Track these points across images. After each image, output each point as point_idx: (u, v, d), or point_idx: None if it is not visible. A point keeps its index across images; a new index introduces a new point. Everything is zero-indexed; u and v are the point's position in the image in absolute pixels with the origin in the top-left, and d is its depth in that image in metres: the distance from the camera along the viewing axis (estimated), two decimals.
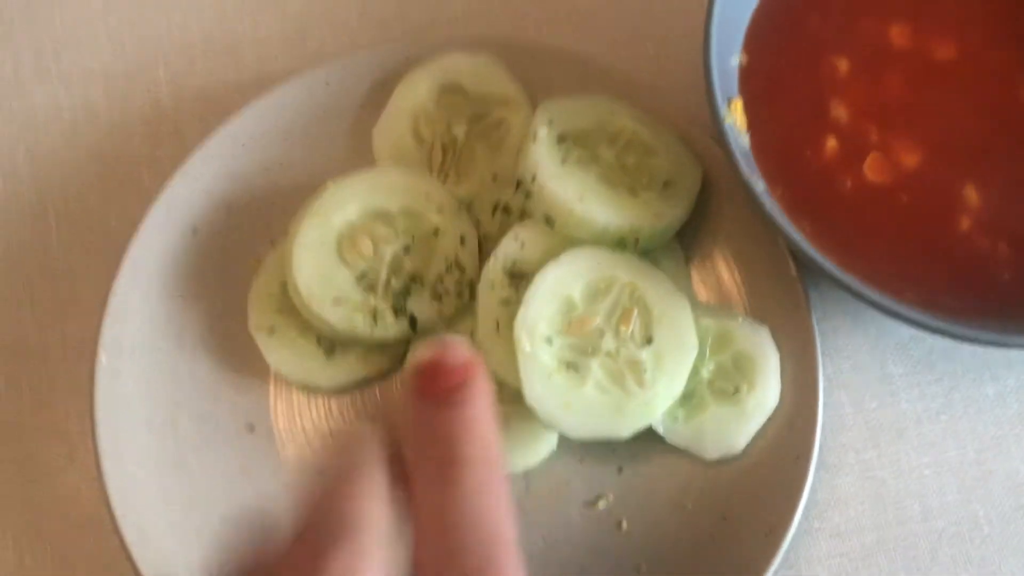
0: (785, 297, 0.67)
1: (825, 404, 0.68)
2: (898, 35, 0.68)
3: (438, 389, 0.41)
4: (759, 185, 0.62)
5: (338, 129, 0.72)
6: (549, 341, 0.62)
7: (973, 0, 0.69)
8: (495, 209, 0.69)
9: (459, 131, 0.71)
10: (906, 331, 0.71)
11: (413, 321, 0.65)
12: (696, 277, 0.70)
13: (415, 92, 0.71)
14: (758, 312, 0.67)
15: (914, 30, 0.68)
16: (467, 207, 0.69)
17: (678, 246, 0.69)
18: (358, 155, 0.72)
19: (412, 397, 0.42)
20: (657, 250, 0.68)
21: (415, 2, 0.79)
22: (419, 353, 0.43)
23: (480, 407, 0.42)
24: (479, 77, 0.71)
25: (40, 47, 0.78)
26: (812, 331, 0.65)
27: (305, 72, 0.71)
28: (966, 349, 0.71)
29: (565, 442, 0.66)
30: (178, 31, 0.78)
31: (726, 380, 0.65)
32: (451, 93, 0.71)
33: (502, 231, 0.67)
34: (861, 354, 0.71)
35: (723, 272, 0.69)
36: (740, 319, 0.66)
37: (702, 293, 0.69)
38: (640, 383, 0.62)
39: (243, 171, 0.70)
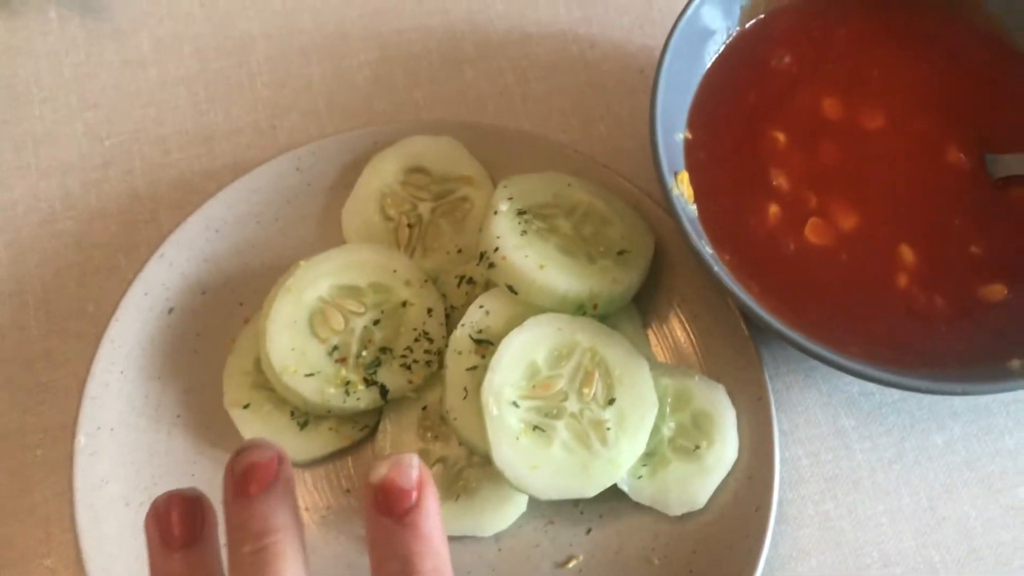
0: (738, 356, 0.70)
1: (782, 458, 0.71)
2: (831, 108, 0.73)
3: (393, 510, 0.47)
4: (707, 251, 0.65)
5: (308, 211, 0.75)
6: (515, 405, 0.64)
7: (899, 73, 0.74)
8: (461, 281, 0.72)
9: (424, 209, 0.74)
10: (856, 386, 0.75)
11: (384, 391, 0.67)
12: (654, 339, 0.73)
13: (381, 173, 0.74)
14: (714, 371, 0.71)
15: (845, 103, 0.73)
16: (434, 280, 0.72)
17: (635, 310, 0.73)
18: (328, 235, 0.75)
19: (369, 513, 0.48)
20: (616, 314, 0.71)
21: (379, 91, 0.83)
22: (373, 472, 0.48)
23: (432, 523, 0.48)
24: (441, 158, 0.75)
25: (20, 143, 0.81)
26: (766, 387, 0.69)
27: (275, 158, 0.75)
28: (913, 401, 0.75)
29: (535, 504, 0.68)
30: (153, 124, 0.82)
31: (686, 437, 0.68)
32: (416, 173, 0.75)
33: (468, 301, 0.70)
34: (814, 409, 0.74)
35: (679, 333, 0.73)
36: (697, 378, 0.69)
37: (660, 354, 0.72)
38: (604, 442, 0.65)
39: (217, 253, 0.73)
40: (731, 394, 0.69)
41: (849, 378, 0.73)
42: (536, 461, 0.64)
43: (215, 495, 0.67)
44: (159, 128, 0.82)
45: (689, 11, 0.70)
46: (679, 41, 0.69)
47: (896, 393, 0.75)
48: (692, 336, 0.72)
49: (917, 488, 0.72)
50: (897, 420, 0.74)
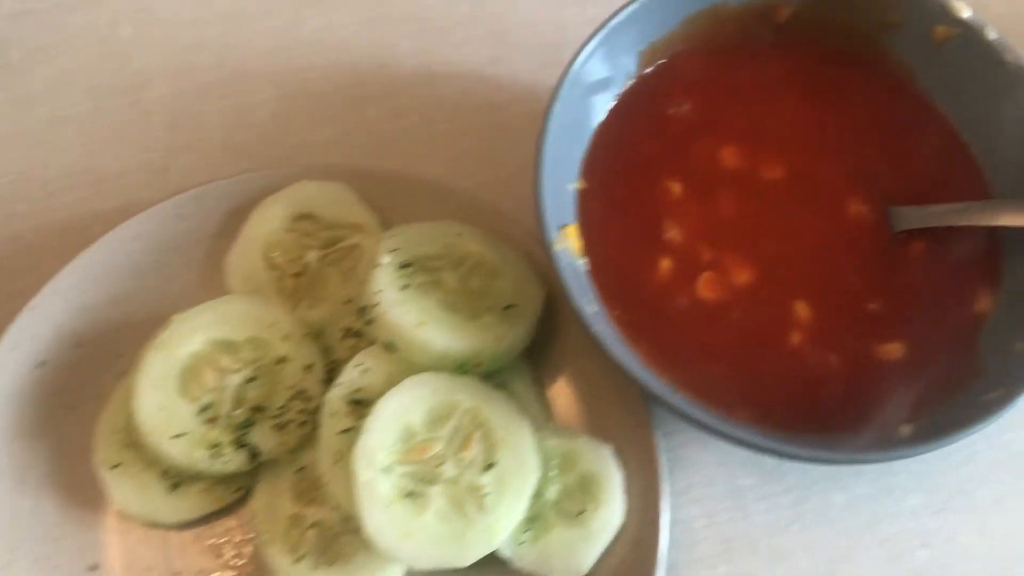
0: (629, 416, 0.68)
1: (676, 519, 0.69)
2: (729, 157, 0.71)
3: None
4: (591, 308, 0.63)
5: (191, 259, 0.73)
6: (388, 470, 0.62)
7: (802, 121, 0.72)
8: (346, 334, 0.69)
9: (312, 257, 0.72)
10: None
11: (255, 453, 0.65)
12: (546, 397, 0.70)
13: (268, 220, 0.72)
14: (603, 431, 0.68)
15: (745, 152, 0.71)
16: (319, 333, 0.70)
17: (526, 367, 0.70)
18: (211, 284, 0.72)
19: None
20: (505, 371, 0.69)
21: (278, 131, 0.81)
22: None
23: None
24: (331, 204, 0.72)
25: None
26: (655, 449, 0.66)
27: (157, 204, 0.72)
28: None
29: (412, 573, 0.65)
30: (39, 166, 0.79)
31: (571, 501, 0.66)
32: (304, 220, 0.73)
33: (352, 355, 0.67)
34: (711, 468, 0.72)
35: (571, 391, 0.70)
36: (584, 439, 0.67)
37: (551, 413, 0.70)
38: (481, 508, 0.62)
39: (93, 304, 0.70)
40: (620, 455, 0.67)
41: None
42: (409, 529, 0.61)
43: (82, 559, 0.65)
44: (45, 170, 0.79)
45: (580, 57, 0.67)
46: (569, 89, 0.67)
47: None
48: (584, 395, 0.70)
49: (816, 551, 0.70)
50: (796, 479, 0.72)
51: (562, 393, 0.70)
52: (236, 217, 0.73)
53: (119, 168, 0.79)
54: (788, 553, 0.70)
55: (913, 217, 0.68)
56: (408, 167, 0.78)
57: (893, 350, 0.66)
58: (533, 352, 0.71)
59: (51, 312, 0.69)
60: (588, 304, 0.63)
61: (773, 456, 0.60)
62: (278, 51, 0.84)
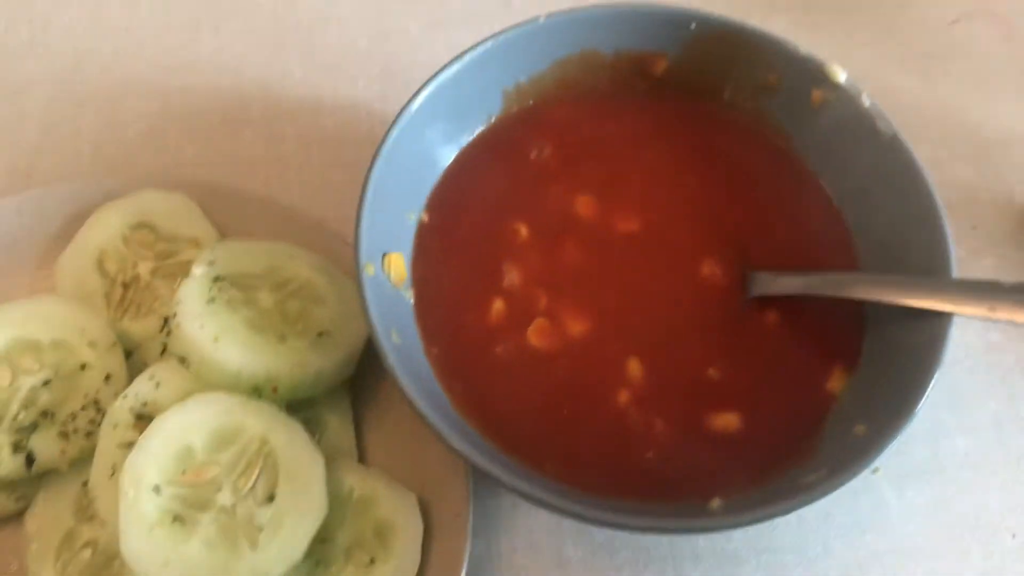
0: (444, 464, 0.63)
1: None
2: (584, 206, 0.68)
3: None
4: (396, 339, 0.59)
5: (25, 259, 0.70)
6: (157, 490, 0.57)
7: (664, 177, 0.69)
8: (164, 350, 0.66)
9: (144, 269, 0.69)
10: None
11: (31, 459, 0.60)
12: (367, 436, 0.66)
13: (105, 226, 0.69)
14: (418, 478, 0.63)
15: (601, 202, 0.68)
16: (135, 347, 0.66)
17: (346, 403, 0.66)
18: (41, 286, 0.70)
19: None
20: (322, 404, 0.65)
21: (150, 145, 0.79)
22: None
23: None
24: (171, 216, 0.70)
25: None
26: (466, 503, 0.61)
27: None
28: (651, 538, 0.67)
29: None
30: None
31: (363, 548, 0.61)
32: (142, 230, 0.70)
33: None
34: (539, 534, 0.66)
35: (393, 435, 0.66)
36: (387, 483, 0.62)
37: (367, 453, 0.65)
38: (254, 544, 0.57)
39: None
40: (429, 505, 0.62)
41: None
42: (168, 556, 0.56)
43: None
44: None
45: (431, 86, 0.65)
46: (416, 118, 0.65)
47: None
48: (406, 440, 0.65)
49: None
50: (630, 556, 0.66)
51: (383, 435, 0.66)
52: (77, 221, 0.71)
53: None
54: None
55: (770, 283, 0.64)
56: (274, 192, 0.76)
57: (727, 421, 0.61)
58: (362, 390, 0.67)
59: None
60: (395, 335, 0.59)
61: (566, 516, 0.54)
62: (167, 69, 0.83)
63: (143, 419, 0.60)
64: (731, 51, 0.69)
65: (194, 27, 0.85)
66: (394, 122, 0.64)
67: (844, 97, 0.67)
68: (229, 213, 0.71)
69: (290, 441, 0.60)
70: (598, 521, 0.54)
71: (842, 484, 0.55)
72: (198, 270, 0.63)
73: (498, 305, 0.64)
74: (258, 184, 0.77)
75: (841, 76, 0.66)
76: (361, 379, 0.67)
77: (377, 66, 0.84)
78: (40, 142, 0.79)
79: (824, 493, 0.54)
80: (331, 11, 0.86)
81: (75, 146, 0.79)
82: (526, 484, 0.54)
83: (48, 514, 0.62)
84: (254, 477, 0.59)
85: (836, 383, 0.62)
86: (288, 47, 0.84)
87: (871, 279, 0.63)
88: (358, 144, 0.80)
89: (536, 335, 0.63)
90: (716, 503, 0.56)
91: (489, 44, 0.66)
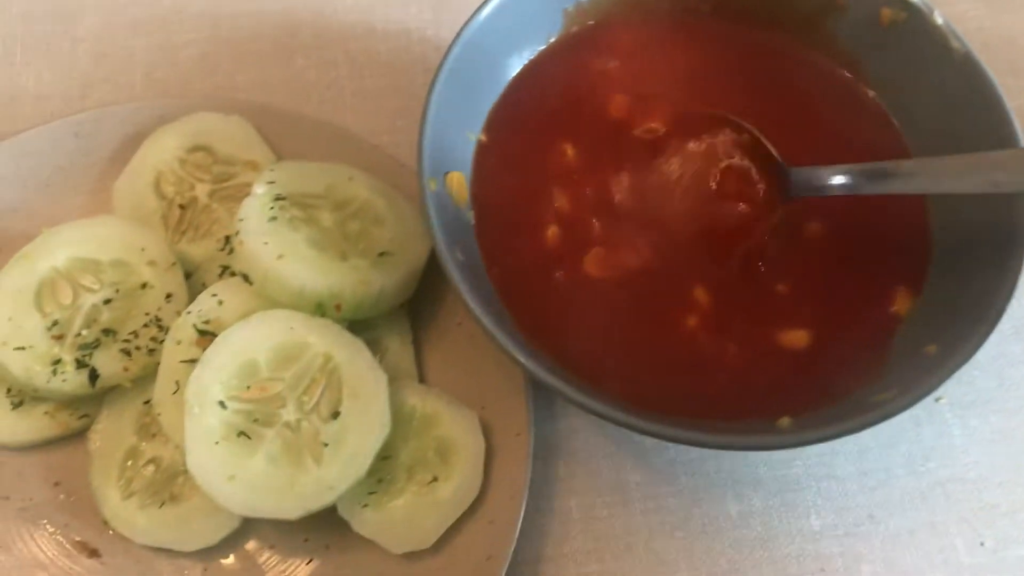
0: (504, 384, 0.63)
1: (551, 508, 0.64)
2: (636, 129, 0.66)
3: None
4: (457, 258, 0.58)
5: (81, 181, 0.70)
6: (222, 405, 0.57)
7: (725, 100, 0.67)
8: (223, 272, 0.66)
9: (201, 191, 0.69)
10: (649, 439, 0.67)
11: (94, 375, 0.61)
12: (426, 356, 0.66)
13: (161, 148, 0.69)
14: (478, 400, 0.63)
15: (652, 122, 0.66)
16: (195, 268, 0.66)
17: (405, 323, 0.66)
18: (98, 208, 0.70)
19: None
20: (382, 325, 0.65)
21: (201, 71, 0.79)
22: None
23: None
24: (229, 139, 0.69)
25: None
26: (527, 423, 0.61)
27: (55, 121, 0.69)
28: (712, 462, 0.66)
29: (254, 524, 0.61)
30: None
31: (424, 467, 0.60)
32: (199, 152, 0.70)
33: None
34: (598, 459, 0.66)
35: (452, 355, 0.66)
36: (449, 402, 0.62)
37: (424, 374, 0.65)
38: (318, 460, 0.57)
39: None
40: (490, 426, 0.62)
41: None
42: (234, 470, 0.56)
43: None
44: None
45: (491, 5, 0.64)
46: (476, 36, 0.63)
47: (693, 451, 0.66)
48: (465, 360, 0.65)
49: (698, 562, 0.63)
50: (689, 482, 0.66)
51: (442, 356, 0.66)
52: (133, 144, 0.70)
53: (38, 91, 0.78)
54: (668, 560, 0.63)
55: (811, 179, 0.61)
56: (327, 117, 0.75)
57: (796, 338, 0.60)
58: (421, 312, 0.67)
59: None
60: (458, 252, 0.58)
61: (632, 430, 0.54)
62: None
63: (206, 336, 0.60)
64: None
65: None
66: (456, 37, 0.62)
67: (916, 15, 0.65)
68: (285, 136, 0.70)
69: (353, 359, 0.60)
70: (664, 436, 0.54)
71: (913, 403, 0.54)
72: (259, 189, 0.63)
73: (553, 231, 0.63)
74: (311, 109, 0.77)
75: None
76: (419, 302, 0.67)
77: None
78: (93, 68, 0.78)
79: (894, 412, 0.54)
80: None
81: (127, 72, 0.78)
82: (592, 399, 0.54)
83: (110, 431, 0.62)
84: (318, 394, 0.59)
85: (902, 304, 0.61)
86: None
87: (929, 165, 0.60)
88: (411, 70, 0.79)
89: (593, 264, 0.62)
90: (785, 421, 0.55)
91: None
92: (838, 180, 0.60)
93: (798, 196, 0.61)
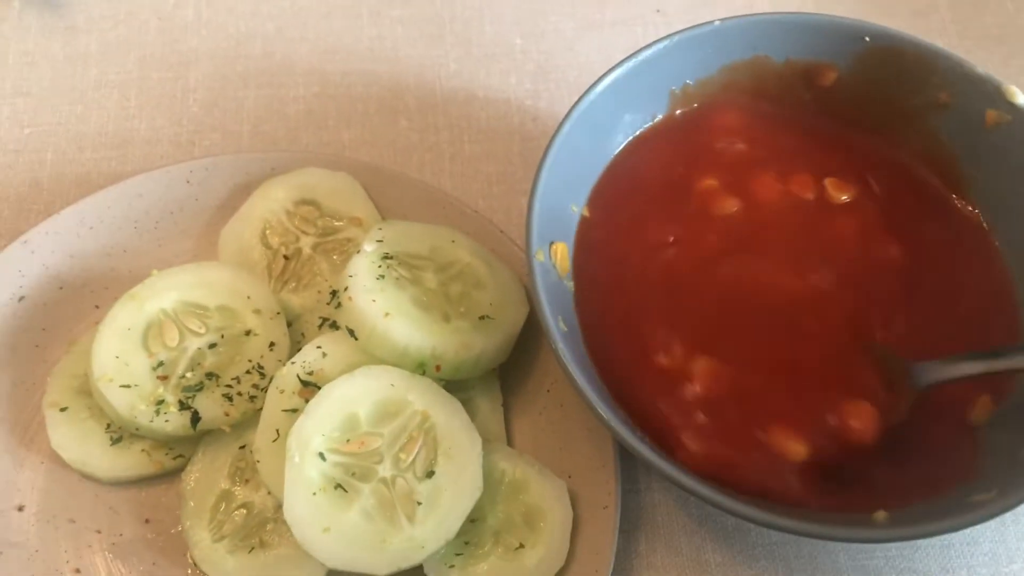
0: (594, 455, 0.63)
1: None
2: (736, 226, 0.67)
3: None
4: (561, 328, 0.59)
5: (190, 225, 0.72)
6: (322, 457, 0.59)
7: (811, 218, 0.67)
8: (322, 323, 0.67)
9: (306, 243, 0.71)
10: (731, 519, 0.67)
11: (196, 418, 0.62)
12: (513, 421, 0.67)
13: (271, 199, 0.71)
14: (566, 467, 0.64)
15: (731, 184, 0.67)
16: (295, 318, 0.68)
17: (498, 386, 0.67)
18: (204, 253, 0.72)
19: None
20: (474, 387, 0.66)
21: (308, 126, 0.81)
22: None
23: None
24: (335, 194, 0.71)
25: None
26: (615, 496, 0.61)
27: (169, 166, 0.72)
28: (792, 547, 0.66)
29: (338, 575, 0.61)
30: (77, 121, 0.81)
31: (512, 532, 0.61)
32: (306, 206, 0.72)
33: None
34: (679, 535, 0.66)
35: (541, 422, 0.66)
36: (539, 469, 0.63)
37: (515, 438, 0.66)
38: (411, 518, 0.58)
39: (83, 251, 0.70)
40: (576, 495, 0.62)
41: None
42: (329, 523, 0.57)
43: (11, 497, 0.63)
44: (81, 125, 0.81)
45: (601, 84, 0.66)
46: (586, 112, 0.65)
47: (774, 534, 0.66)
48: (554, 427, 0.66)
49: None
50: (768, 566, 0.65)
51: (532, 422, 0.67)
52: (241, 192, 0.73)
53: (149, 136, 0.80)
54: None
55: (940, 371, 0.60)
56: (426, 179, 0.77)
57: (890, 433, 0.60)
58: (510, 377, 0.68)
59: (41, 250, 0.69)
60: (561, 323, 0.59)
61: (735, 516, 0.54)
62: (327, 52, 0.85)
63: (308, 387, 0.62)
64: (904, 67, 0.68)
65: (354, 13, 0.87)
66: (569, 113, 0.64)
67: (1021, 119, 0.65)
68: (389, 195, 0.72)
69: (450, 419, 0.61)
70: (756, 519, 0.54)
71: (1013, 507, 0.54)
72: (369, 247, 0.64)
73: (651, 316, 0.63)
74: (411, 170, 0.79)
75: (1020, 98, 0.65)
76: (508, 366, 0.68)
77: (531, 63, 0.85)
78: (202, 116, 0.81)
79: (993, 514, 0.54)
80: (488, 8, 0.87)
81: (236, 122, 0.81)
82: (685, 474, 0.54)
83: (205, 474, 0.63)
84: (415, 451, 0.60)
85: (981, 411, 0.61)
86: (445, 39, 0.85)
87: None
88: (508, 138, 0.81)
89: (697, 381, 0.62)
90: (881, 515, 0.55)
91: (664, 43, 0.67)
92: (966, 370, 0.60)
93: (925, 387, 0.60)
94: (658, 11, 0.88)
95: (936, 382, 0.59)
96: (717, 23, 0.68)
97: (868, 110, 0.70)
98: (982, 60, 0.69)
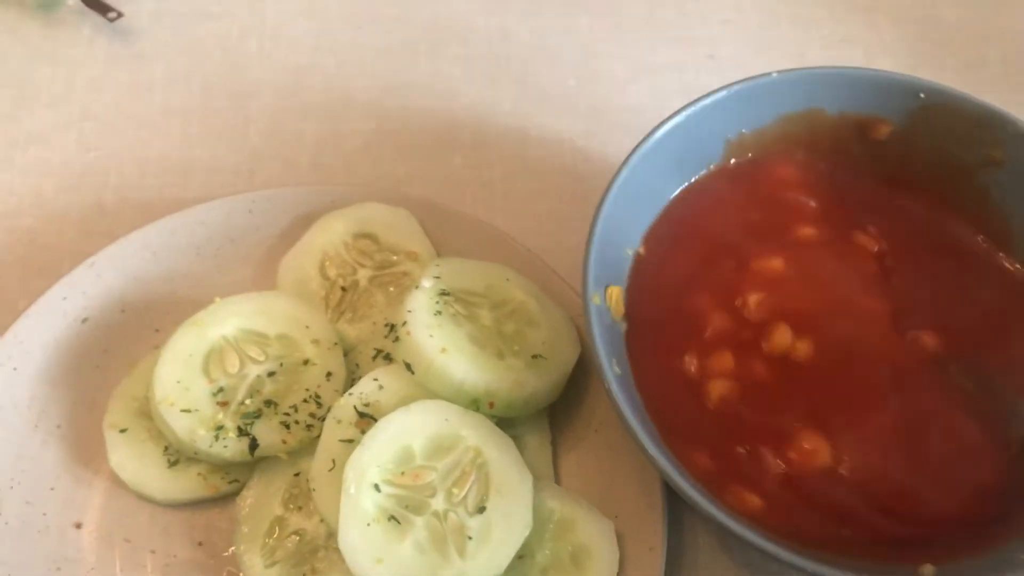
0: (642, 497, 0.64)
1: None
2: (784, 282, 0.68)
3: None
4: (615, 370, 0.60)
5: (250, 253, 0.74)
6: (377, 488, 0.60)
7: (861, 278, 0.68)
8: (377, 355, 0.69)
9: (363, 276, 0.72)
10: (774, 563, 0.67)
11: (254, 444, 0.64)
12: (560, 459, 0.68)
13: (330, 232, 0.73)
14: (612, 507, 0.65)
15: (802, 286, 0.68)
16: (350, 349, 0.69)
17: (546, 425, 0.68)
18: (263, 281, 0.74)
19: None
20: (523, 424, 0.67)
21: (365, 159, 0.83)
22: None
23: None
24: (393, 228, 0.73)
25: (13, 139, 0.83)
26: (661, 537, 0.62)
27: (231, 196, 0.74)
28: None
29: None
30: (141, 146, 0.83)
31: (559, 570, 0.62)
32: (364, 239, 0.73)
33: None
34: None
35: (589, 458, 0.67)
36: (587, 509, 0.63)
37: (563, 476, 0.67)
38: (462, 552, 0.59)
39: (146, 275, 0.72)
40: (623, 536, 0.63)
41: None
42: (382, 554, 0.58)
43: (69, 514, 0.65)
44: (145, 151, 0.83)
45: (661, 131, 0.67)
46: (645, 157, 0.66)
47: None
48: (602, 466, 0.67)
49: None
50: None
51: (579, 461, 0.68)
52: (301, 224, 0.74)
53: (210, 164, 0.82)
54: None
55: None
56: (479, 215, 0.79)
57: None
58: (558, 415, 0.69)
59: (106, 273, 0.71)
60: (615, 365, 0.61)
61: (781, 563, 0.55)
62: (386, 88, 0.87)
63: (364, 418, 0.63)
64: (958, 124, 0.69)
65: (412, 51, 0.89)
66: (626, 159, 0.66)
67: None
68: (444, 230, 0.74)
69: (502, 455, 0.62)
70: (806, 569, 0.54)
71: None
72: (427, 283, 0.66)
73: (701, 357, 0.64)
74: (465, 206, 0.80)
75: None
76: (557, 405, 0.69)
77: (584, 104, 0.86)
78: (263, 146, 0.83)
79: None
80: (543, 48, 0.89)
81: (295, 153, 0.83)
82: (734, 520, 0.55)
83: (259, 499, 0.65)
84: (467, 486, 0.61)
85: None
86: (500, 78, 0.87)
87: None
88: (561, 177, 0.83)
89: (734, 393, 0.63)
90: (928, 569, 0.56)
91: (723, 94, 0.68)
92: None
93: None
94: (710, 56, 0.90)
95: None
96: (775, 75, 0.69)
97: (920, 164, 0.71)
98: None
